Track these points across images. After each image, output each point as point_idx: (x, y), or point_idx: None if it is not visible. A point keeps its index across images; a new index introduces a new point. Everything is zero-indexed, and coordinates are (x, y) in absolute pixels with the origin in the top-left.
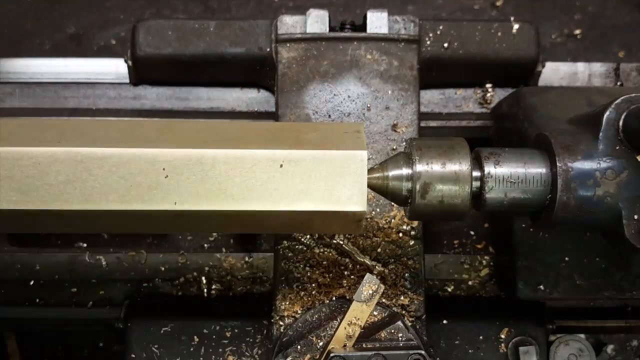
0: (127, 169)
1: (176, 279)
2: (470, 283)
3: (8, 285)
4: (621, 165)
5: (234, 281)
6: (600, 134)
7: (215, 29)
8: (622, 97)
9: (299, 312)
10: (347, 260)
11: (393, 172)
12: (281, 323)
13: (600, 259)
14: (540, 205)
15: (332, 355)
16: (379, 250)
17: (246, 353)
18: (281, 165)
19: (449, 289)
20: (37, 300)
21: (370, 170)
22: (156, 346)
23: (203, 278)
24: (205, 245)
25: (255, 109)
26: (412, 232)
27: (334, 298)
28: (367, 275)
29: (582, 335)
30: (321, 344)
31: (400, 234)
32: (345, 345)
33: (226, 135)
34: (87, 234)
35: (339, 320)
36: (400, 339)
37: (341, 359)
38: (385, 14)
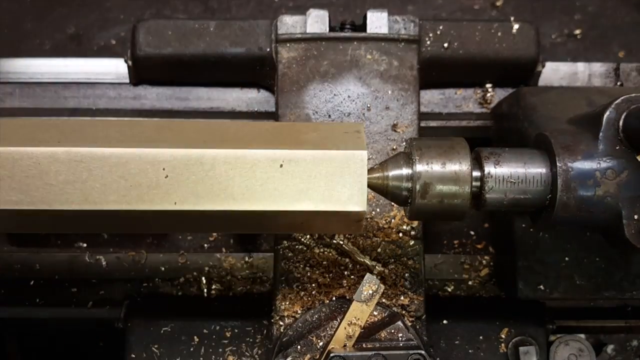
0: (127, 169)
1: (176, 279)
2: (470, 283)
3: (8, 285)
4: (621, 165)
5: (234, 281)
6: (600, 134)
7: (215, 29)
8: (622, 97)
9: (299, 312)
10: (347, 260)
11: (393, 172)
12: (281, 323)
13: (600, 259)
14: (540, 205)
15: (332, 355)
16: (379, 250)
17: (246, 353)
18: (281, 165)
19: (449, 289)
20: (37, 300)
21: (370, 170)
22: (156, 346)
23: (203, 278)
24: (205, 245)
25: (255, 109)
26: (412, 232)
27: (334, 298)
28: (367, 275)
29: (582, 335)
30: (321, 344)
31: (400, 234)
32: (345, 345)
33: (226, 135)
34: (87, 234)
35: (339, 320)
36: (400, 339)
37: (341, 359)
38: (385, 14)
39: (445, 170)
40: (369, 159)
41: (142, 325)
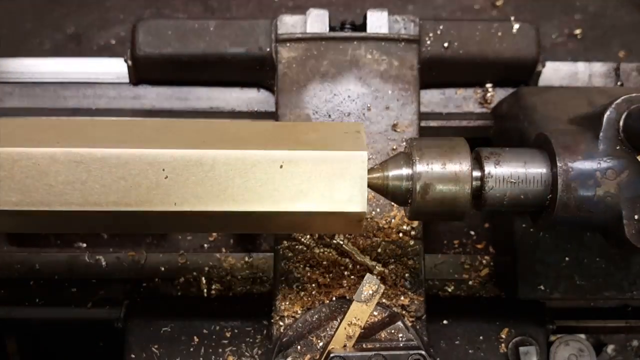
0: (126, 169)
1: (176, 279)
2: (470, 283)
3: (8, 285)
4: (621, 165)
5: (234, 281)
6: (601, 134)
7: (215, 29)
8: (623, 97)
9: (299, 312)
10: (347, 260)
11: (393, 172)
12: (281, 323)
13: (600, 259)
14: (541, 205)
15: (332, 355)
16: (379, 250)
17: (246, 353)
18: (281, 166)
19: (449, 289)
20: (37, 300)
21: (370, 170)
22: (156, 346)
23: (203, 278)
24: (205, 245)
25: (255, 109)
26: (412, 232)
27: (334, 298)
28: (367, 275)
29: (582, 336)
30: (321, 344)
31: (401, 234)
32: (345, 346)
33: (226, 135)
34: (87, 234)
35: (339, 320)
36: (400, 339)
37: (341, 359)
38: (385, 14)
39: (446, 171)
40: (369, 159)
41: (142, 325)
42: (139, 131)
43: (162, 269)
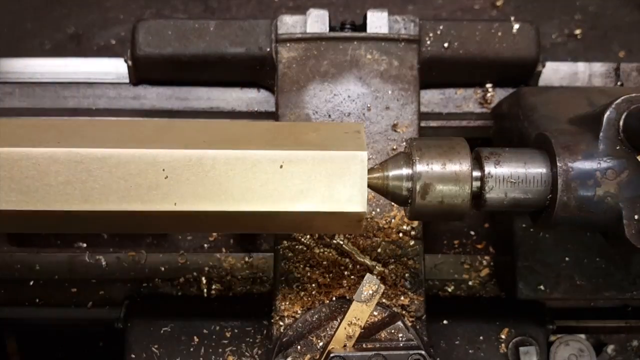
0: (126, 169)
1: (176, 279)
2: (470, 283)
3: (8, 285)
4: (621, 165)
5: (234, 281)
6: (601, 134)
7: (215, 29)
8: (623, 97)
9: (299, 312)
10: (347, 260)
11: (393, 172)
12: (281, 323)
13: (600, 259)
14: (541, 205)
15: (332, 355)
16: (379, 250)
17: (246, 353)
18: (281, 166)
19: (449, 289)
20: (37, 300)
21: (370, 170)
22: (156, 346)
23: (203, 278)
24: (205, 245)
25: (255, 109)
26: (412, 232)
27: (334, 298)
28: (367, 275)
29: (582, 336)
30: (321, 344)
31: (401, 234)
32: (345, 346)
33: (226, 135)
34: (87, 234)
35: (339, 320)
36: (400, 339)
37: (341, 359)
38: (385, 14)
39: (446, 171)
40: (369, 159)
41: (142, 325)
42: (138, 131)
43: (162, 269)
